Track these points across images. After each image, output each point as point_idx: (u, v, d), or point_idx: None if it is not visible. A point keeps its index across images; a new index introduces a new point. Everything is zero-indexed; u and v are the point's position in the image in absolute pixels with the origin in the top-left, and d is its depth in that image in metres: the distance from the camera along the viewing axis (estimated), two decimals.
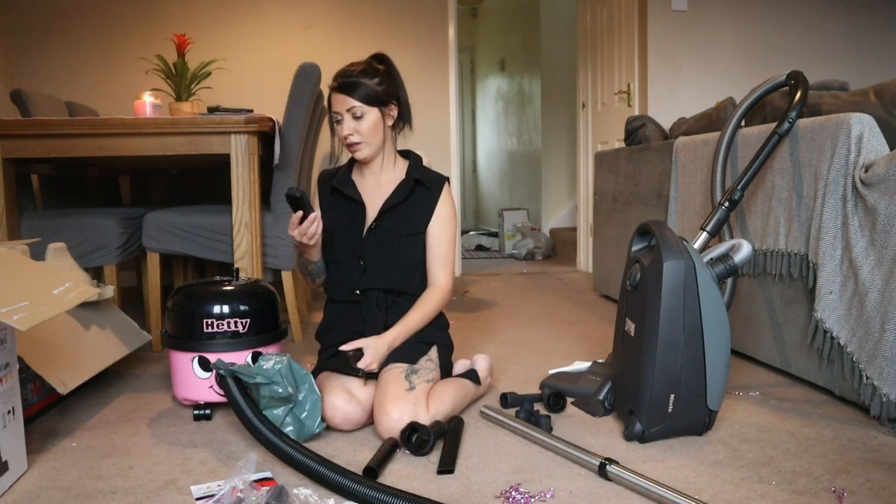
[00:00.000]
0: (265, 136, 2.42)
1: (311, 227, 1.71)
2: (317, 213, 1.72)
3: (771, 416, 1.76)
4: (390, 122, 1.84)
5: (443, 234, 1.86)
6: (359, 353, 1.69)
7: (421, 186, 1.86)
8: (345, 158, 1.97)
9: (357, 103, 1.75)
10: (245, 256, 2.32)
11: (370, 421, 1.69)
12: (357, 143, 1.78)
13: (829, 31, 4.32)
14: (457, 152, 4.53)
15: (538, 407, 1.84)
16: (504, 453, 1.54)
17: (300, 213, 1.69)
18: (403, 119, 1.87)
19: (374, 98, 1.77)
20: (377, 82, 1.77)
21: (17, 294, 1.32)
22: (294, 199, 1.66)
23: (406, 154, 1.93)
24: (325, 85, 2.78)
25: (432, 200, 1.86)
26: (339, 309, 1.87)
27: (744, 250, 1.68)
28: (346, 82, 1.75)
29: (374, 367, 1.69)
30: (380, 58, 1.83)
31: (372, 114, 1.77)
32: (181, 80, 2.84)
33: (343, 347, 1.72)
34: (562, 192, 6.16)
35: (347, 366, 1.67)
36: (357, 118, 1.76)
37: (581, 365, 2.14)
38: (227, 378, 1.52)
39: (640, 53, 4.11)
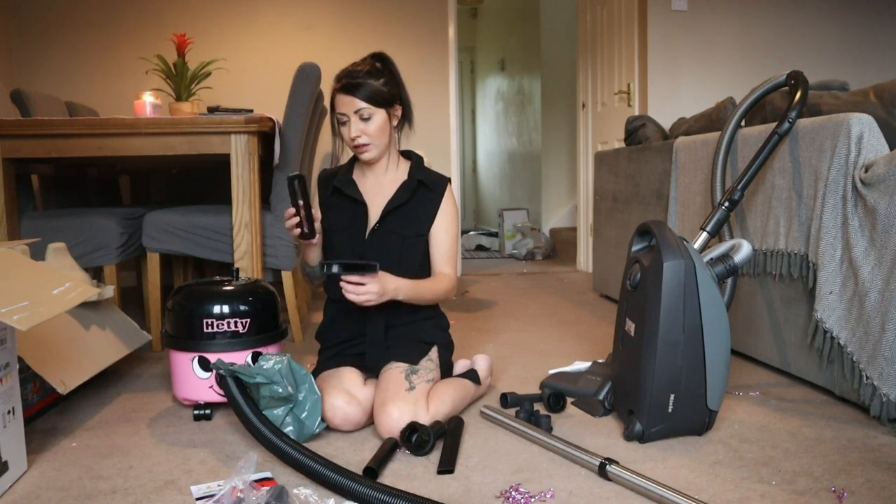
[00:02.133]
0: (265, 136, 2.42)
1: (289, 221, 1.69)
2: (292, 211, 1.69)
3: (771, 416, 1.76)
4: (395, 123, 1.83)
5: (447, 234, 1.86)
6: (372, 267, 1.62)
7: (423, 188, 1.86)
8: (345, 158, 1.97)
9: (364, 105, 1.74)
10: (245, 256, 2.32)
11: (370, 421, 1.69)
12: (365, 145, 1.78)
13: (829, 31, 4.32)
14: (457, 152, 4.53)
15: (538, 407, 1.84)
16: (504, 453, 1.54)
17: (292, 209, 1.69)
18: (407, 119, 1.87)
19: (381, 99, 1.76)
20: (382, 83, 1.76)
21: (17, 294, 1.32)
22: (289, 182, 1.64)
23: (408, 154, 1.93)
24: (325, 85, 2.78)
25: (435, 202, 1.86)
26: (340, 309, 1.87)
27: (744, 250, 1.68)
28: (353, 83, 1.74)
29: (372, 292, 1.61)
30: (380, 57, 1.82)
31: (379, 115, 1.76)
32: (181, 80, 2.84)
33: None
34: (562, 192, 6.16)
35: (359, 265, 1.59)
36: (364, 120, 1.75)
37: (581, 365, 2.14)
38: (227, 378, 1.52)
39: (640, 53, 4.10)
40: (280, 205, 2.54)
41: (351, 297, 1.62)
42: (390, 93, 1.78)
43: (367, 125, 1.76)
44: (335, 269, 1.57)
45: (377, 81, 1.75)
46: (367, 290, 1.61)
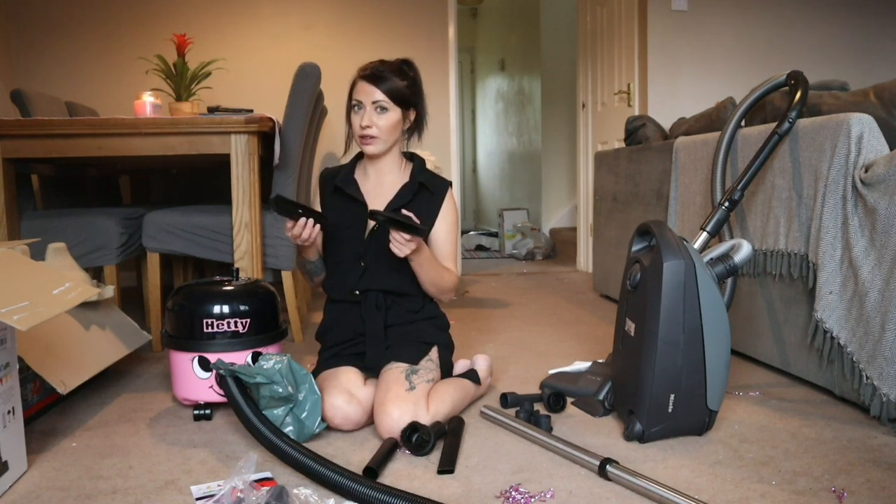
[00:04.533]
0: (265, 136, 2.42)
1: (303, 232, 1.68)
2: (304, 221, 1.68)
3: (771, 416, 1.77)
4: (406, 126, 1.85)
5: (448, 236, 1.87)
6: (420, 230, 1.63)
7: (425, 190, 1.86)
8: (346, 157, 1.97)
9: (384, 98, 1.76)
10: (245, 256, 2.32)
11: (370, 421, 1.69)
12: (372, 137, 1.79)
13: (829, 31, 4.32)
14: (457, 152, 4.53)
15: (538, 407, 1.84)
16: (504, 453, 1.54)
17: (291, 222, 1.68)
18: (418, 127, 1.89)
19: (400, 98, 1.78)
20: (406, 85, 1.80)
21: (17, 294, 1.32)
22: (277, 207, 1.64)
23: (410, 156, 1.93)
24: (325, 85, 2.79)
25: (436, 205, 1.86)
26: (339, 309, 1.87)
27: (744, 250, 1.68)
28: (378, 74, 1.76)
29: (413, 246, 1.65)
30: (408, 62, 1.85)
31: (394, 113, 1.78)
32: (181, 80, 2.84)
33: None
34: (562, 192, 6.16)
35: (406, 225, 1.61)
36: (380, 113, 1.77)
37: (581, 365, 2.14)
38: (227, 378, 1.52)
39: (640, 53, 4.10)
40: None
41: (396, 247, 1.65)
42: (410, 96, 1.81)
43: (380, 118, 1.77)
44: (378, 217, 1.61)
45: (401, 81, 1.79)
46: (411, 243, 1.65)
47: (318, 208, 1.88)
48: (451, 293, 1.87)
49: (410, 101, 1.82)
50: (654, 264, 1.59)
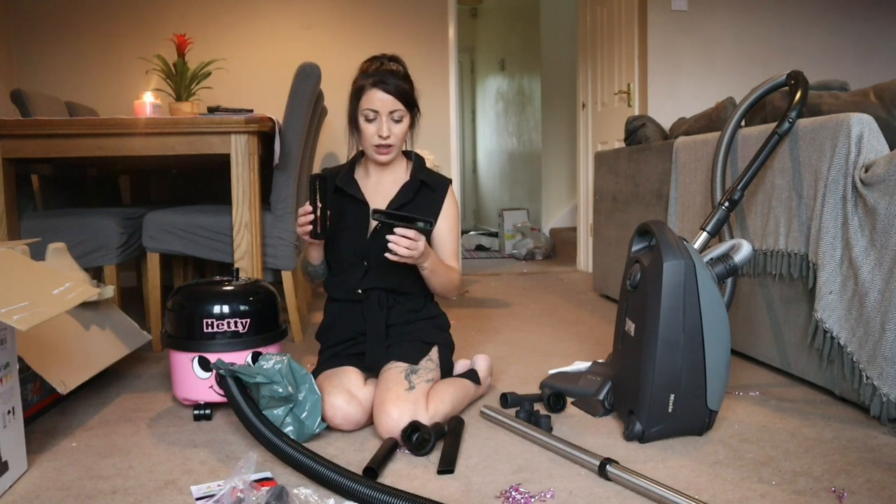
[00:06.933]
0: (265, 136, 2.42)
1: (300, 217, 1.70)
2: (309, 209, 1.70)
3: (771, 416, 1.77)
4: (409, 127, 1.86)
5: (450, 234, 1.87)
6: (426, 223, 1.63)
7: (426, 188, 1.86)
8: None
9: (402, 107, 1.77)
10: (245, 256, 2.32)
11: (370, 421, 1.69)
12: (390, 146, 1.79)
13: (829, 31, 4.32)
14: (457, 152, 4.53)
15: (538, 407, 1.84)
16: (504, 453, 1.54)
17: (309, 207, 1.70)
18: (414, 127, 1.89)
19: (411, 103, 1.80)
20: (411, 88, 1.81)
21: (17, 294, 1.32)
22: (312, 181, 1.68)
23: (408, 154, 1.94)
24: (325, 85, 2.79)
25: (437, 202, 1.87)
26: (340, 308, 1.87)
27: (744, 250, 1.68)
28: (394, 83, 1.75)
29: (419, 249, 1.64)
30: (403, 63, 1.84)
31: (407, 119, 1.80)
32: (181, 80, 2.84)
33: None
34: (562, 192, 6.16)
35: (407, 217, 1.60)
36: (396, 122, 1.78)
37: (581, 365, 2.14)
38: (227, 378, 1.52)
39: (640, 53, 4.11)
40: (280, 204, 2.54)
41: (399, 250, 1.63)
42: (414, 98, 1.82)
43: (397, 127, 1.78)
44: (380, 216, 1.62)
45: (407, 86, 1.79)
46: (416, 245, 1.63)
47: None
48: (457, 291, 1.88)
49: (415, 104, 1.83)
50: (654, 264, 1.59)
